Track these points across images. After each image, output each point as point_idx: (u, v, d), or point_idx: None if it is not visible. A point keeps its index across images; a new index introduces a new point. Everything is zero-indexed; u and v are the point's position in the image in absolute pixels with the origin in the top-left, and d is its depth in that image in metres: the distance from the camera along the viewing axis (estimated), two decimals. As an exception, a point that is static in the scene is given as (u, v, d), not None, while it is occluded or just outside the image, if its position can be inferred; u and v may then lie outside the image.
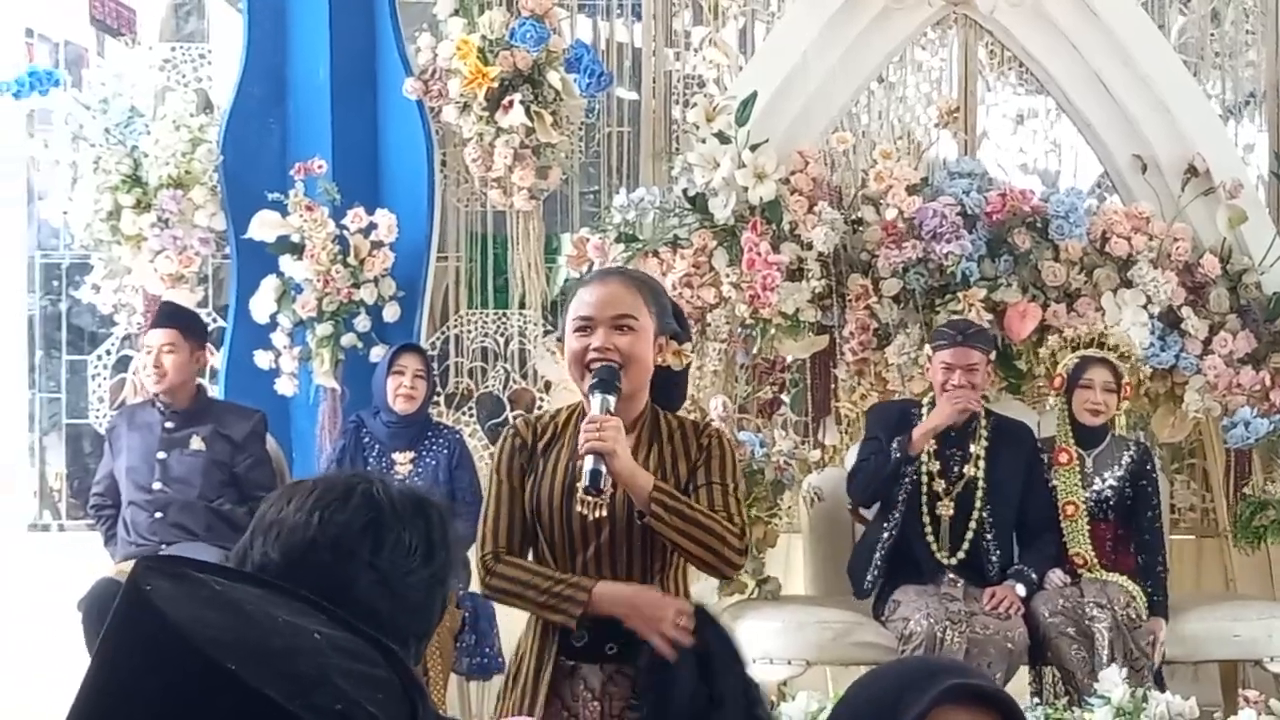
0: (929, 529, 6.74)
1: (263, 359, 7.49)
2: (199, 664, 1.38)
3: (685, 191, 7.60)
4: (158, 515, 6.96)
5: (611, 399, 3.88)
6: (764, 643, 6.75)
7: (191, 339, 7.05)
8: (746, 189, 7.44)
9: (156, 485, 6.99)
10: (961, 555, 6.72)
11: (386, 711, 1.42)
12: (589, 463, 3.82)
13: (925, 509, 6.74)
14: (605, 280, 4.10)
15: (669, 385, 4.12)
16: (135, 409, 7.24)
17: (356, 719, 1.40)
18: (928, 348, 6.96)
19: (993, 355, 6.89)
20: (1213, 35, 8.59)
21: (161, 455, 7.00)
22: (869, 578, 6.75)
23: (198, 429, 7.04)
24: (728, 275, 7.39)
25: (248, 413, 7.17)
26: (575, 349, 3.97)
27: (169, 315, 7.17)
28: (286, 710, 1.37)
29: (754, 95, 7.52)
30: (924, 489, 6.74)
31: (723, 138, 7.48)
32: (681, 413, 4.23)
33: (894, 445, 6.66)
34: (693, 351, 7.35)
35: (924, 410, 6.80)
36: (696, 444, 4.01)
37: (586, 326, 3.96)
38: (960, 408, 6.67)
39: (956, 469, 6.77)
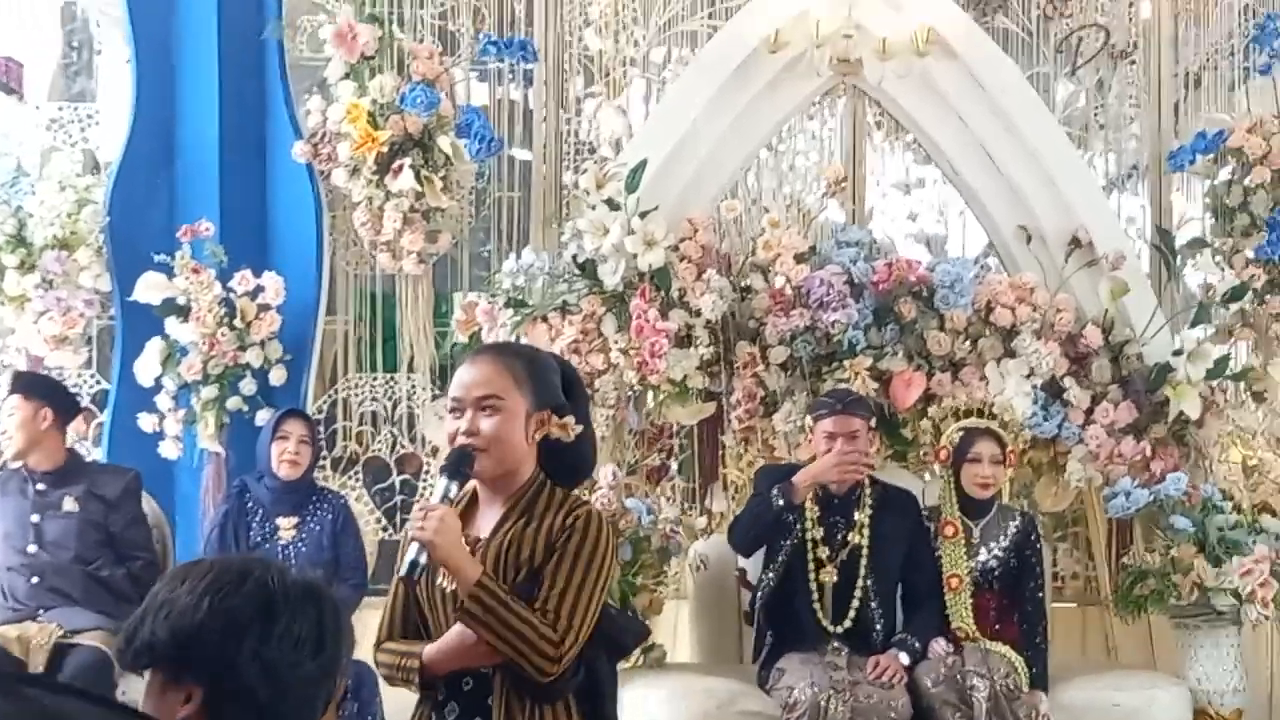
0: (815, 595, 6.75)
1: (147, 422, 7.43)
2: None
3: (575, 257, 7.61)
4: (34, 580, 6.88)
5: (454, 485, 3.91)
6: (649, 710, 6.73)
7: (33, 399, 6.95)
8: (636, 255, 7.46)
9: (31, 548, 6.90)
10: (847, 624, 6.74)
11: None
12: (411, 550, 3.83)
13: (811, 575, 6.75)
14: (475, 360, 4.06)
15: (561, 458, 4.05)
16: (8, 475, 7.15)
17: None
18: (809, 417, 6.99)
19: (873, 422, 6.92)
20: (1098, 108, 8.72)
21: (35, 518, 6.92)
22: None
23: (70, 489, 6.97)
24: (616, 341, 7.40)
25: (121, 471, 7.10)
26: (449, 430, 3.99)
27: (21, 383, 7.09)
28: None
29: (644, 162, 7.55)
30: (808, 555, 6.76)
31: (612, 204, 7.51)
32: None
33: (775, 490, 6.66)
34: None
35: (811, 478, 6.83)
36: (561, 523, 3.94)
37: (457, 408, 3.98)
38: (850, 475, 6.71)
39: (840, 535, 6.78)
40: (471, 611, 3.84)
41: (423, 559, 3.84)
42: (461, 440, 3.93)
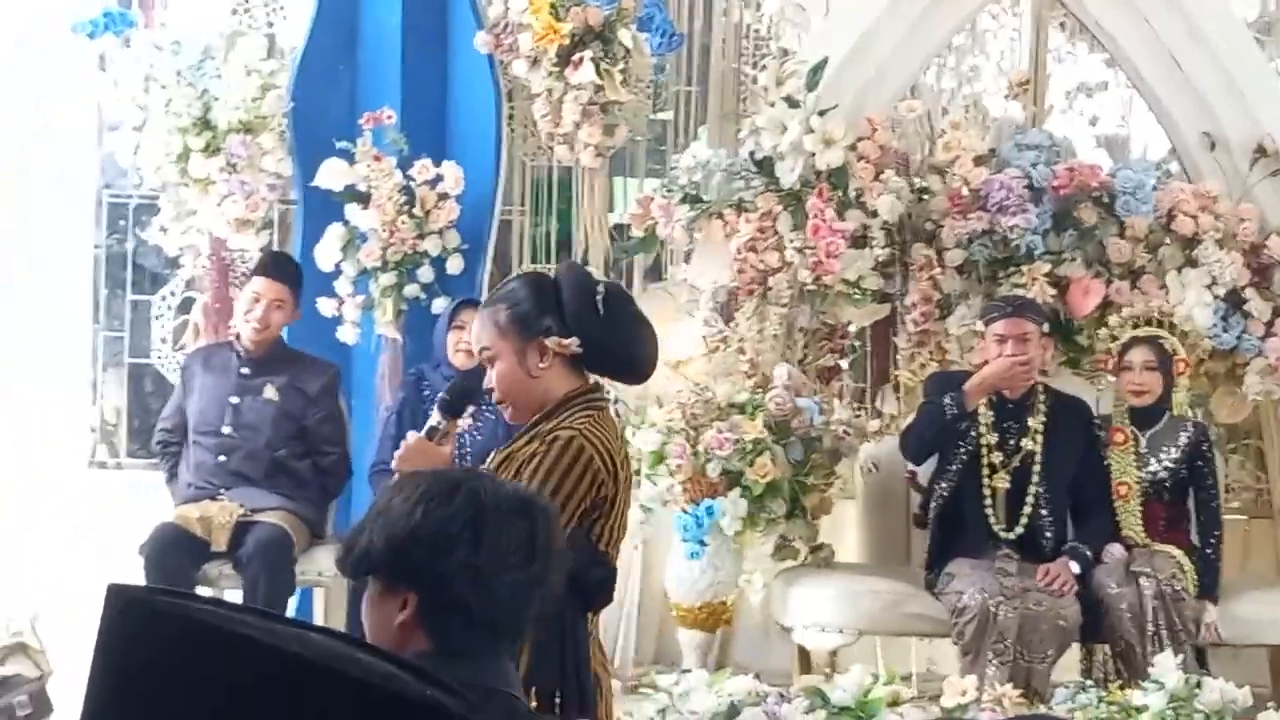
0: (987, 501, 6.75)
1: (326, 306, 7.51)
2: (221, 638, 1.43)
3: (752, 154, 7.59)
4: (221, 459, 7.04)
5: (444, 419, 4.23)
6: (816, 610, 6.79)
7: (297, 294, 7.17)
8: (814, 154, 7.43)
9: (226, 429, 7.07)
10: (1019, 530, 6.74)
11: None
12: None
13: (985, 481, 6.75)
14: (478, 314, 4.31)
15: (600, 362, 4.14)
16: (212, 350, 7.31)
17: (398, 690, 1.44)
18: (981, 321, 6.98)
19: (1045, 327, 6.89)
20: (1287, 13, 8.53)
21: (234, 399, 7.07)
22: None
23: (273, 378, 7.11)
24: (792, 240, 7.39)
25: (323, 367, 7.24)
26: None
27: (280, 268, 7.25)
28: (317, 667, 1.40)
29: (824, 60, 7.50)
30: (982, 461, 6.76)
31: (791, 101, 7.47)
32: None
33: (948, 399, 6.68)
34: (753, 315, 7.38)
35: (984, 387, 6.82)
36: (530, 452, 4.01)
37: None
38: (1020, 379, 6.70)
39: (1014, 442, 6.78)
40: None
41: None
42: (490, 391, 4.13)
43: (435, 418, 4.25)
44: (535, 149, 8.07)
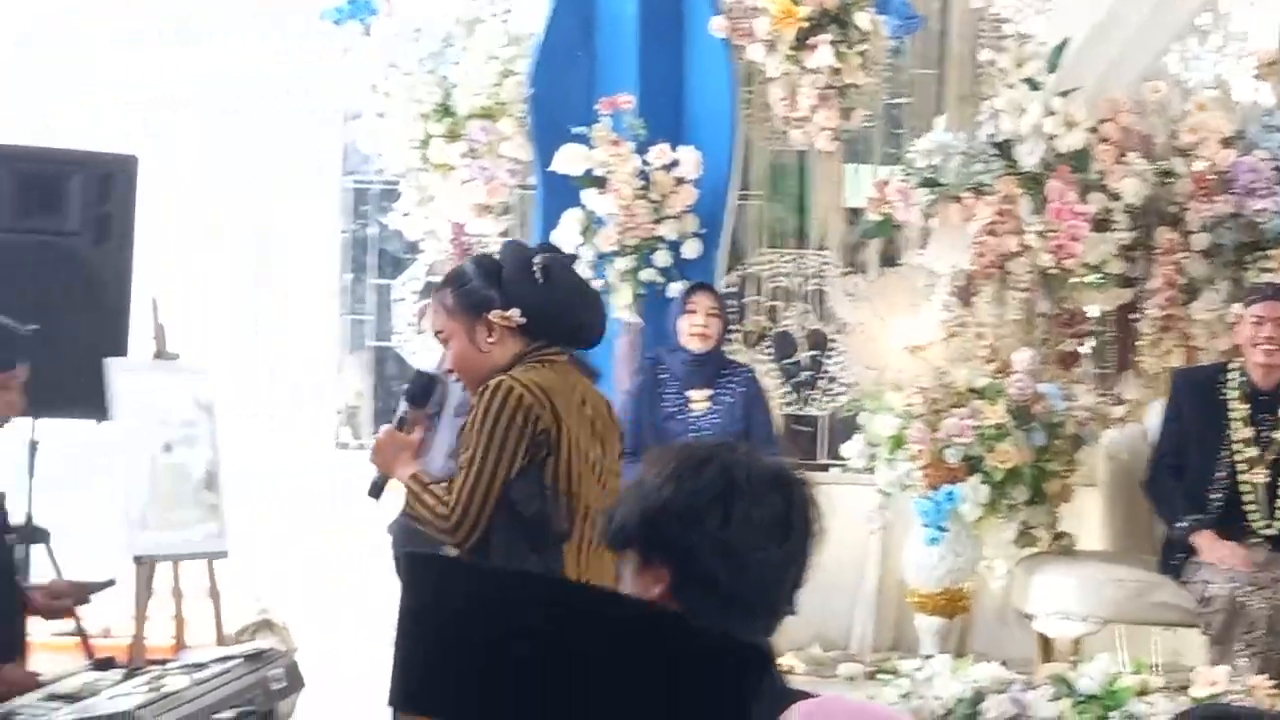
0: (1241, 494, 6.61)
1: (565, 293, 7.55)
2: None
3: (991, 137, 7.51)
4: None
5: (409, 409, 4.50)
6: (1060, 598, 6.71)
7: None
8: (1054, 137, 7.34)
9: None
10: (1277, 525, 6.59)
11: None
12: (376, 474, 4.50)
13: (1240, 474, 6.61)
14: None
15: (546, 329, 4.37)
16: None
17: None
18: (1236, 306, 6.83)
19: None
20: None
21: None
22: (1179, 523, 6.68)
23: None
24: (1031, 224, 7.30)
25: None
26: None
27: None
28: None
29: (1065, 42, 7.41)
30: (1237, 454, 6.62)
31: (1032, 83, 7.39)
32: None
33: (1183, 524, 6.59)
34: (992, 299, 7.31)
35: (1230, 375, 6.67)
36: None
37: None
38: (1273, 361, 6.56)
39: (1267, 434, 6.63)
40: (405, 504, 4.38)
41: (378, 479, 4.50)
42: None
43: (402, 408, 4.54)
44: (771, 133, 8.06)
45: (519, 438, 4.24)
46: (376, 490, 4.55)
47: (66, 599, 5.19)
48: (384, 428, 4.54)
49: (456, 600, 1.61)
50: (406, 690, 1.69)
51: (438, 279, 7.94)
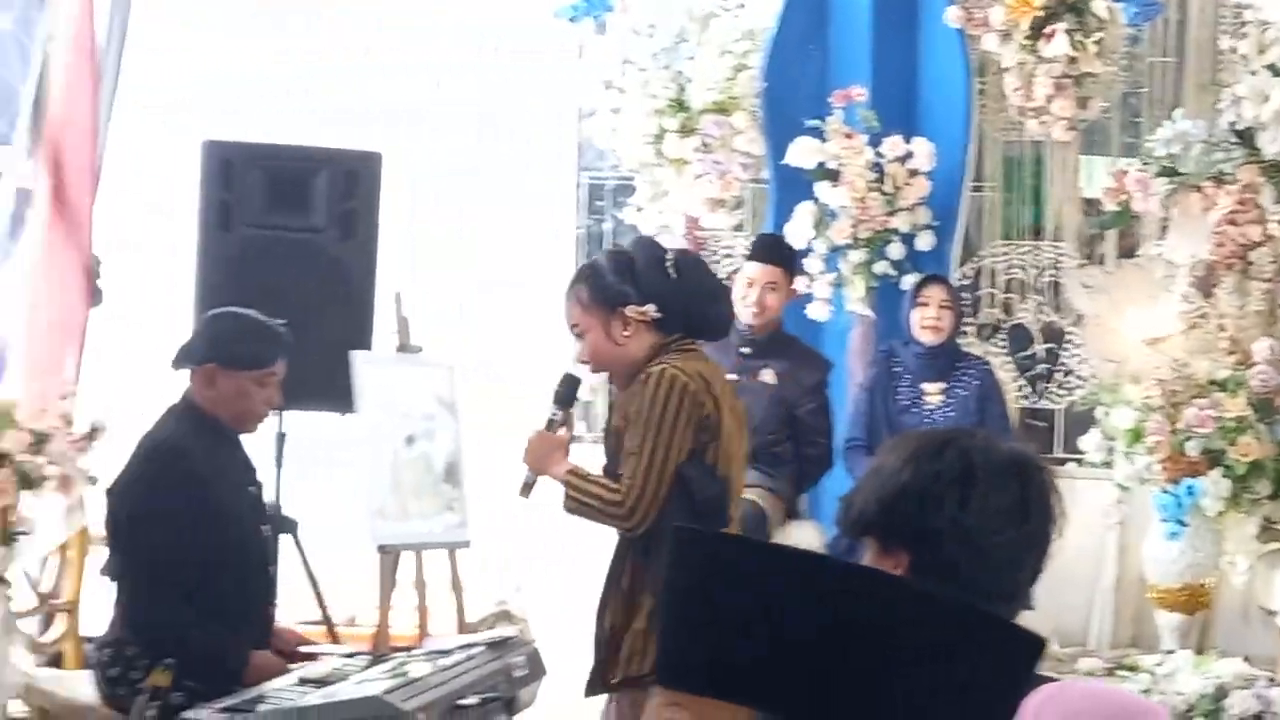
0: None
1: (797, 283, 7.57)
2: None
3: (1232, 125, 7.38)
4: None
5: (557, 410, 4.77)
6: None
7: (790, 275, 7.22)
8: (1298, 123, 7.19)
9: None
10: None
11: None
12: (527, 473, 4.77)
13: None
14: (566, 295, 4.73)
15: (686, 322, 4.60)
16: None
17: None
18: None
19: None
20: None
21: (731, 377, 7.16)
22: None
23: (771, 362, 7.15)
24: (1273, 213, 7.16)
25: (820, 362, 7.24)
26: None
27: (770, 249, 7.29)
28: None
29: (1307, 26, 7.25)
30: None
31: (1274, 70, 7.24)
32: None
33: None
34: (1234, 290, 7.19)
35: None
36: (631, 394, 4.54)
37: None
38: None
39: None
40: (567, 499, 4.62)
41: (531, 478, 4.76)
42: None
43: (550, 409, 4.77)
44: (1006, 124, 8.00)
45: (686, 423, 4.45)
46: (527, 490, 4.80)
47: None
48: (535, 432, 4.75)
49: (725, 574, 1.64)
50: (673, 666, 1.71)
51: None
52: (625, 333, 4.56)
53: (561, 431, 4.79)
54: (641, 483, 4.46)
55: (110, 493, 5.10)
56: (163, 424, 5.06)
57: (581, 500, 4.59)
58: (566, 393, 4.83)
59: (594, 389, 8.24)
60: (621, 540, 4.65)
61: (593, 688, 4.72)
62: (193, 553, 4.83)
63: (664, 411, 4.45)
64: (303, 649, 5.18)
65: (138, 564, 4.93)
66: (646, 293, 4.57)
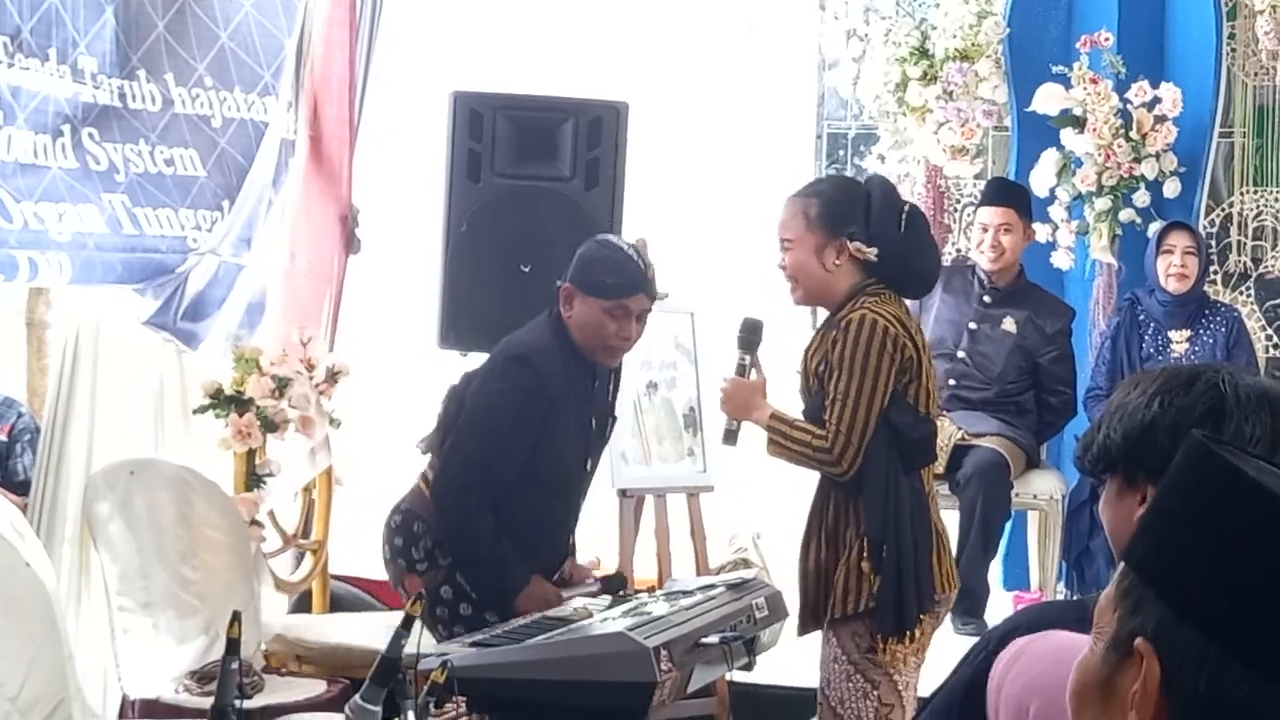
0: None
1: (1041, 232, 7.53)
2: (1261, 501, 1.42)
3: None
4: (951, 382, 7.11)
5: (746, 355, 4.79)
6: None
7: (1024, 217, 7.20)
8: None
9: (960, 354, 7.15)
10: None
11: None
12: (725, 421, 4.84)
13: None
14: (785, 204, 4.73)
15: (887, 271, 4.61)
16: (953, 270, 7.35)
17: None
18: None
19: None
20: None
21: (973, 325, 7.15)
22: None
23: (1013, 310, 7.13)
24: None
25: (1063, 308, 7.20)
26: None
27: (1000, 192, 7.29)
28: None
29: None
30: None
31: None
32: None
33: None
34: None
35: None
36: (833, 338, 4.53)
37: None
38: None
39: None
40: (771, 444, 4.67)
41: (733, 425, 4.83)
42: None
43: (739, 355, 4.79)
44: (1257, 68, 7.85)
45: (890, 367, 4.49)
46: (731, 438, 4.85)
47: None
48: (728, 379, 4.78)
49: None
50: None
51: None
52: (836, 261, 4.59)
53: (754, 375, 4.81)
54: (849, 428, 4.50)
55: (465, 376, 5.13)
56: (532, 329, 5.08)
57: (787, 446, 4.63)
58: (750, 337, 4.85)
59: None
60: (823, 480, 4.69)
61: (805, 627, 4.76)
62: (515, 461, 4.91)
63: (867, 356, 4.47)
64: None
65: (461, 451, 4.96)
66: (873, 233, 4.60)
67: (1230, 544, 1.44)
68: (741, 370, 4.80)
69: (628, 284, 5.00)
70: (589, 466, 5.24)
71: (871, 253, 4.57)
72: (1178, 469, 1.55)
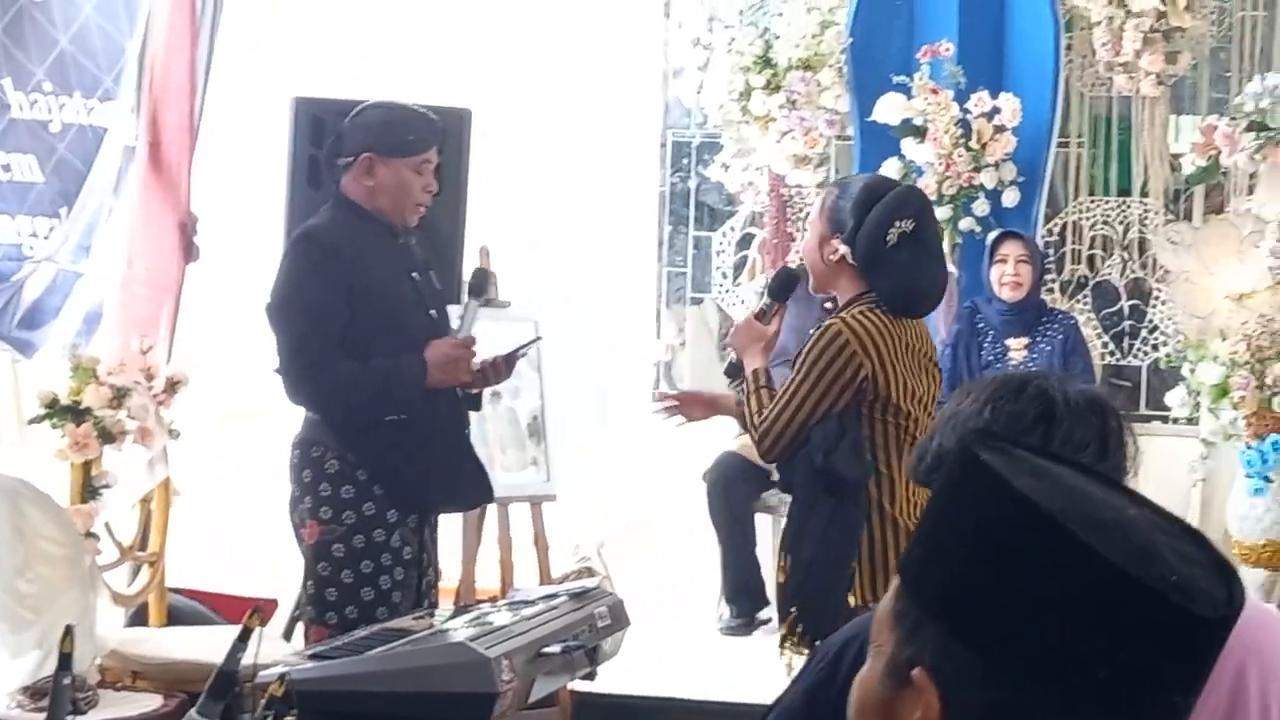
0: None
1: (882, 241, 7.58)
2: (1038, 522, 1.39)
3: (1324, 80, 7.33)
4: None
5: (770, 301, 4.81)
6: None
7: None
8: (1389, 79, 7.13)
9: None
10: None
11: (1211, 587, 1.39)
12: (733, 354, 4.87)
13: None
14: None
15: (881, 283, 4.60)
16: None
17: (1190, 589, 1.37)
18: None
19: None
20: None
21: (814, 332, 7.18)
22: None
23: None
24: (1364, 167, 7.12)
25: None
26: None
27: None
28: (1125, 573, 1.36)
29: (1402, -21, 7.19)
30: None
31: (1365, 23, 7.19)
32: None
33: None
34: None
35: None
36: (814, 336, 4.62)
37: None
38: None
39: None
40: (745, 391, 4.71)
41: (735, 359, 4.84)
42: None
43: (763, 299, 4.86)
44: (1094, 79, 7.97)
45: (836, 380, 4.51)
46: (734, 370, 4.86)
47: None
48: (744, 314, 4.84)
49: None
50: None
51: (755, 231, 8.08)
52: (831, 256, 4.63)
53: (773, 325, 4.83)
54: (773, 421, 4.55)
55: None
56: (317, 215, 5.07)
57: (745, 404, 4.70)
58: (780, 286, 4.88)
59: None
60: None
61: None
62: (334, 324, 4.86)
63: (816, 364, 4.52)
64: None
65: (285, 340, 4.92)
66: (857, 239, 4.57)
67: (998, 561, 1.41)
68: (763, 314, 4.81)
69: (428, 138, 5.04)
70: (434, 315, 5.17)
71: (845, 252, 4.58)
72: (948, 478, 1.53)
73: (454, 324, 5.11)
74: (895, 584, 1.52)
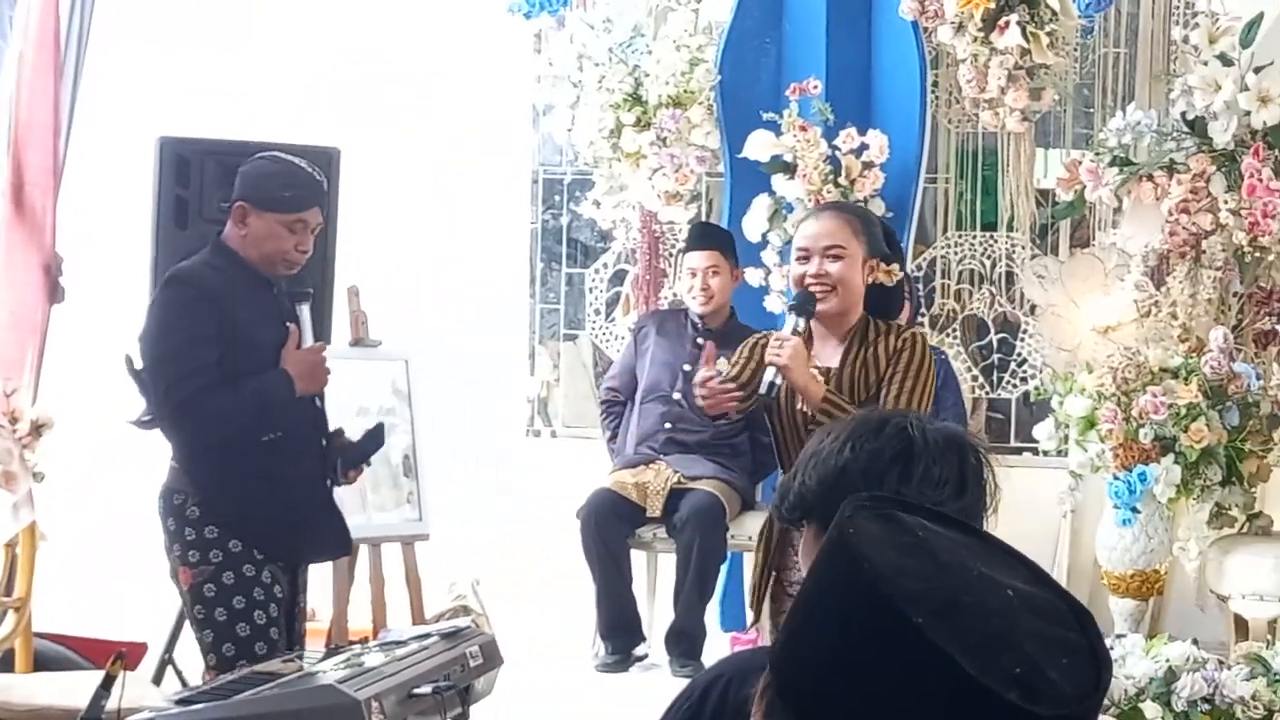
0: None
1: (753, 276, 7.62)
2: (884, 612, 1.39)
3: (1184, 115, 7.43)
4: (667, 425, 7.21)
5: (801, 321, 4.89)
6: (1255, 579, 6.63)
7: (730, 258, 7.32)
8: (1249, 113, 7.23)
9: (676, 395, 7.23)
10: None
11: (1069, 677, 1.39)
12: (769, 374, 4.83)
13: None
14: (820, 215, 5.09)
15: (886, 298, 5.05)
16: (667, 314, 7.53)
17: (1034, 685, 1.37)
18: None
19: None
20: None
21: (687, 367, 7.22)
22: None
23: (725, 353, 7.18)
24: (1226, 202, 7.21)
25: None
26: (796, 274, 4.98)
27: (704, 236, 7.42)
28: (962, 670, 1.36)
29: (1260, 16, 7.30)
30: None
31: (1225, 60, 7.29)
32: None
33: None
34: (1185, 279, 7.25)
35: None
36: (895, 345, 4.86)
37: (804, 256, 4.93)
38: None
39: None
40: (822, 421, 4.60)
41: (779, 380, 4.82)
42: (810, 282, 4.88)
43: (793, 320, 4.94)
44: (960, 116, 8.05)
45: (932, 385, 5.05)
46: (772, 390, 4.88)
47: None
48: (792, 338, 4.87)
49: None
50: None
51: (627, 268, 8.09)
52: (867, 279, 4.94)
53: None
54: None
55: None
56: (185, 260, 5.14)
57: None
58: (802, 304, 4.96)
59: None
60: None
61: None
62: (205, 360, 4.91)
63: (929, 372, 4.93)
64: None
65: (156, 380, 4.98)
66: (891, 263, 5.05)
67: (847, 654, 1.41)
68: (795, 333, 4.91)
69: (306, 197, 5.05)
70: None
71: (898, 275, 5.02)
72: (823, 552, 1.53)
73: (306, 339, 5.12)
74: (765, 670, 1.52)
